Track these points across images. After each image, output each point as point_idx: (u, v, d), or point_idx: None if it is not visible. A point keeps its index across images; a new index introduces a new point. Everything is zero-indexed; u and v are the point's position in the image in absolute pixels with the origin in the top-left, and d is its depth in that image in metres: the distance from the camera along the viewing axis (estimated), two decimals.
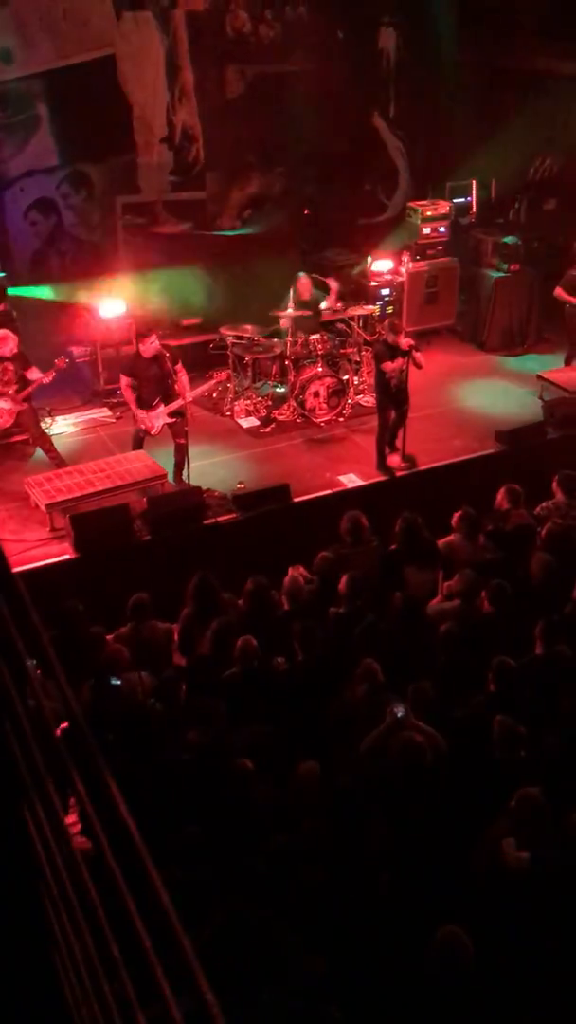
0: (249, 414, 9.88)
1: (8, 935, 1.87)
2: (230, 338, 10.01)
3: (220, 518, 8.03)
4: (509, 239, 11.20)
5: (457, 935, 3.70)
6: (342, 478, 8.70)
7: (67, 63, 10.52)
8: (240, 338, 9.98)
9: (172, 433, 8.47)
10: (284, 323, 9.83)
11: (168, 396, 8.39)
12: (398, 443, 8.88)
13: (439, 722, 5.19)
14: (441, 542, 7.05)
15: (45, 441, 8.75)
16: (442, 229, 11.48)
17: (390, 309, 11.17)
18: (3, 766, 1.94)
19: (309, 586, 6.53)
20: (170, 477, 8.39)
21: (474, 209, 12.31)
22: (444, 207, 11.55)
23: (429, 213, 11.38)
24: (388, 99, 12.57)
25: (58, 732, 2.05)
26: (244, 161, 11.74)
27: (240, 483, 8.46)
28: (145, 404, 8.37)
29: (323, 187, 12.07)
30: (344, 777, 4.81)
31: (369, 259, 11.15)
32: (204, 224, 11.58)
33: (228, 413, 9.98)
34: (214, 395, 10.16)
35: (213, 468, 8.89)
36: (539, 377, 10.10)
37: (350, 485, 8.59)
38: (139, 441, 8.59)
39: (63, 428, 9.69)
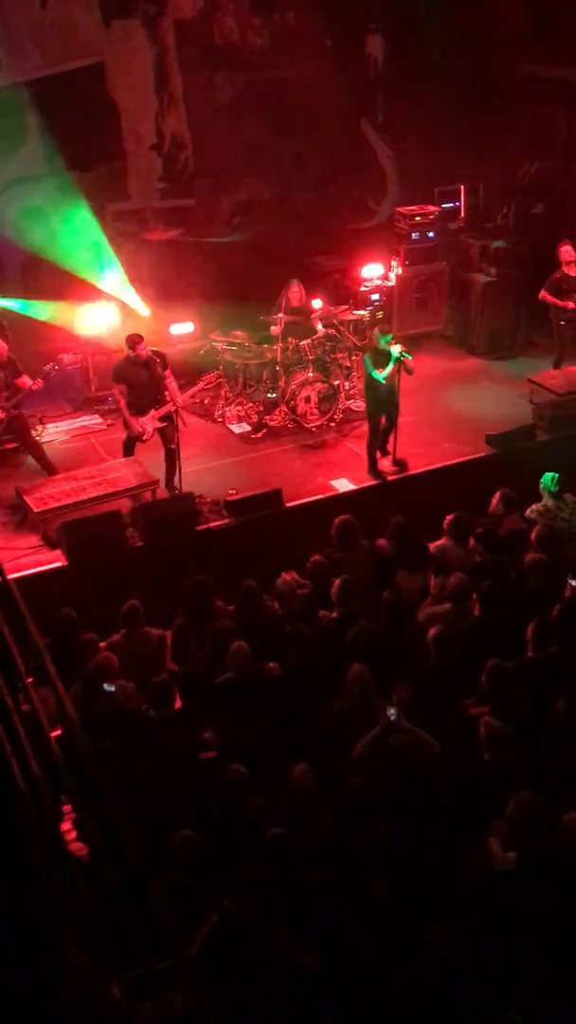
0: (240, 420, 9.90)
1: (4, 940, 1.88)
2: (221, 344, 10.03)
3: (212, 524, 8.04)
4: (499, 243, 11.25)
5: (447, 935, 3.72)
6: (334, 483, 8.72)
7: (56, 71, 10.54)
8: (231, 344, 10.01)
9: (163, 439, 8.48)
10: (274, 329, 9.86)
11: (159, 401, 8.40)
12: (389, 447, 8.92)
13: (431, 724, 5.22)
14: (432, 546, 7.08)
15: (36, 448, 8.75)
16: (431, 234, 11.52)
17: (380, 314, 11.21)
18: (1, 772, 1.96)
19: (301, 590, 6.54)
20: (162, 483, 8.39)
21: (463, 214, 12.36)
22: (433, 212, 11.59)
23: (418, 218, 11.43)
24: (376, 105, 12.62)
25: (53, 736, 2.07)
26: (233, 168, 11.77)
27: (232, 489, 8.48)
28: (136, 410, 8.37)
29: (312, 193, 12.11)
30: (338, 779, 4.82)
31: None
32: (194, 231, 11.60)
33: (219, 419, 9.99)
34: (205, 401, 10.17)
35: (205, 474, 8.90)
36: (528, 380, 10.14)
37: (342, 490, 8.62)
38: (130, 447, 8.59)
39: (54, 435, 9.69)
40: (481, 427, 9.37)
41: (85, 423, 10.00)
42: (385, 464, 8.86)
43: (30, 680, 2.42)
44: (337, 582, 6.22)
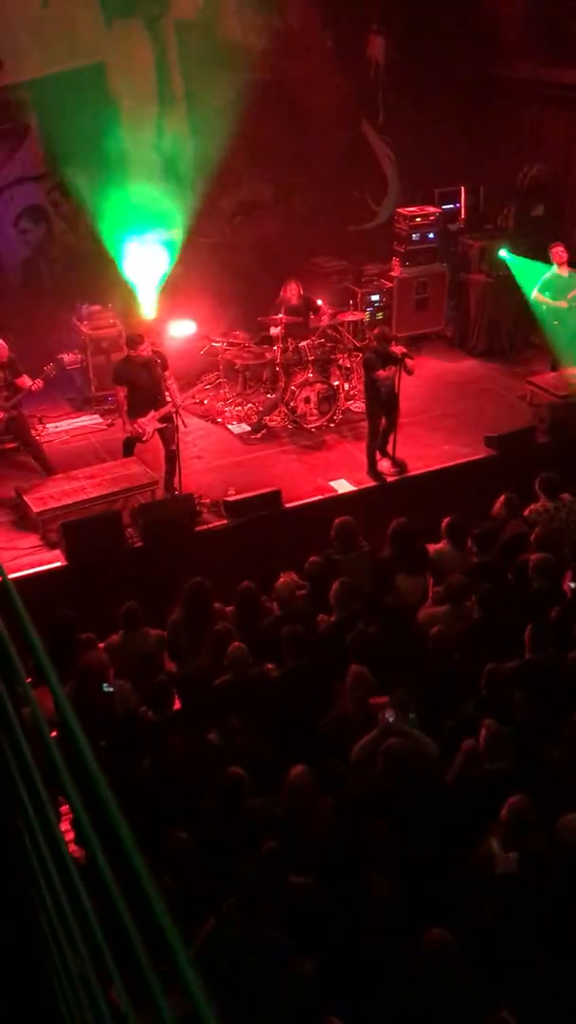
0: (240, 420, 9.90)
1: (2, 943, 1.87)
2: (221, 344, 10.02)
3: (211, 524, 8.04)
4: (503, 252, 11.20)
5: (444, 937, 3.73)
6: (333, 484, 8.73)
7: (57, 71, 10.53)
8: (231, 344, 10.00)
9: (163, 440, 8.48)
10: (274, 331, 9.86)
11: (159, 402, 8.40)
12: (388, 449, 8.92)
13: (430, 727, 5.21)
14: (431, 549, 7.08)
15: (36, 448, 8.75)
16: (431, 235, 11.52)
17: (380, 315, 11.22)
18: None
19: (300, 592, 6.54)
20: (161, 484, 8.39)
21: (463, 215, 12.36)
22: (433, 213, 11.60)
23: (418, 219, 11.44)
24: (377, 106, 12.62)
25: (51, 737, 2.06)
26: (233, 168, 11.76)
27: (231, 489, 8.48)
28: (136, 410, 8.37)
29: (312, 194, 12.11)
30: (337, 781, 4.82)
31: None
32: (194, 231, 11.59)
33: (219, 419, 9.99)
34: (205, 401, 10.17)
35: (204, 475, 8.90)
36: (527, 382, 10.15)
37: (341, 491, 8.62)
38: (130, 448, 8.59)
39: (54, 435, 9.69)
40: (480, 429, 9.37)
41: (85, 423, 10.00)
42: (385, 465, 8.87)
43: (28, 680, 2.42)
44: (335, 585, 6.21)
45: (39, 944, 1.82)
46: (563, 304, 10.05)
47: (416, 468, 8.90)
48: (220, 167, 11.65)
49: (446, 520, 7.03)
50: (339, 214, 12.39)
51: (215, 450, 9.45)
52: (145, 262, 10.91)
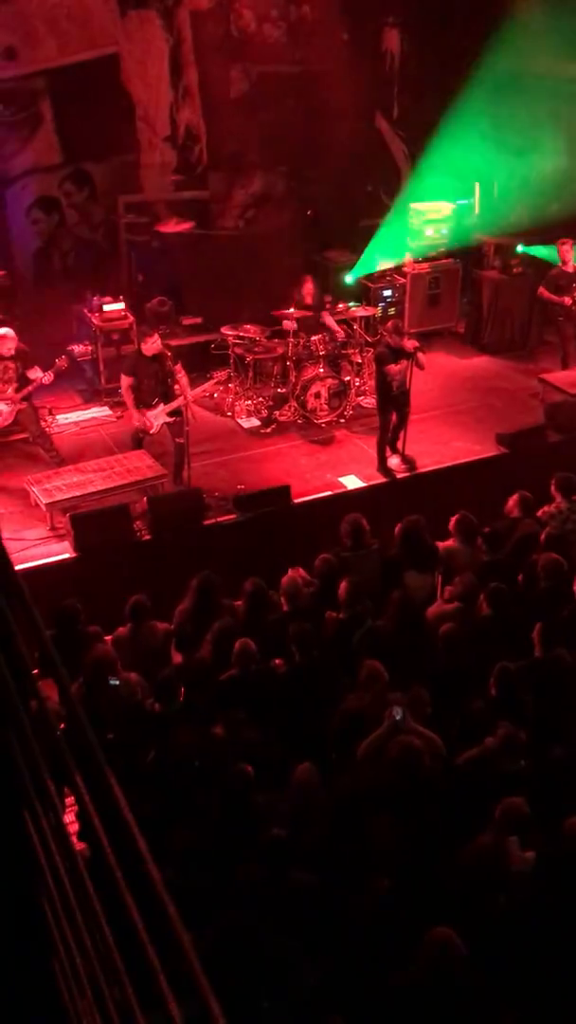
0: (250, 415, 9.87)
1: (7, 939, 1.85)
2: (231, 338, 9.99)
3: (220, 519, 8.02)
4: (520, 249, 11.14)
5: (449, 936, 3.70)
6: (343, 479, 8.69)
7: (70, 61, 10.50)
8: (241, 338, 9.97)
9: (171, 433, 8.45)
10: (286, 324, 9.82)
11: (168, 395, 8.37)
12: (398, 445, 8.87)
13: (438, 725, 5.18)
14: (440, 546, 7.04)
15: (45, 440, 8.74)
16: (444, 231, 11.46)
17: (392, 311, 11.16)
18: (4, 768, 1.93)
19: (308, 588, 6.51)
20: (170, 477, 8.37)
21: (477, 211, 12.29)
22: (447, 209, 11.53)
23: (432, 215, 11.38)
24: (392, 100, 12.56)
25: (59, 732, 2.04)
26: (247, 161, 11.72)
27: (240, 484, 8.45)
28: (145, 403, 8.35)
29: (325, 187, 12.05)
30: (343, 780, 4.79)
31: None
32: (207, 223, 11.56)
33: (229, 413, 9.96)
34: (215, 395, 10.14)
35: (213, 468, 8.87)
36: (540, 379, 10.09)
37: (350, 487, 8.58)
38: (139, 441, 8.57)
39: (64, 426, 9.67)
40: (492, 426, 9.32)
41: (95, 415, 9.98)
42: (394, 462, 8.82)
43: (35, 672, 2.40)
44: (344, 583, 6.17)
45: (45, 941, 1.80)
46: (567, 301, 10.02)
47: (427, 465, 8.86)
48: (233, 160, 11.63)
49: (456, 517, 6.99)
50: (351, 208, 12.33)
51: (224, 444, 9.42)
52: (157, 254, 10.89)
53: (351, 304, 10.63)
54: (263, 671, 5.67)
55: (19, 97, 10.39)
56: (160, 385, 8.35)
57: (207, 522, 7.95)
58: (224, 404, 10.06)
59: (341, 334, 9.99)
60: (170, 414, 8.36)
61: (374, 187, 12.72)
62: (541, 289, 10.21)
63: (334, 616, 6.20)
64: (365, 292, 11.14)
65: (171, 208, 11.43)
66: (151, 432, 8.45)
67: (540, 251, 10.84)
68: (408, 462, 8.81)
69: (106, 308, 10.05)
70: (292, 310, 9.78)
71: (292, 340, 9.69)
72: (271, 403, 9.82)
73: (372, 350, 9.62)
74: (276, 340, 9.98)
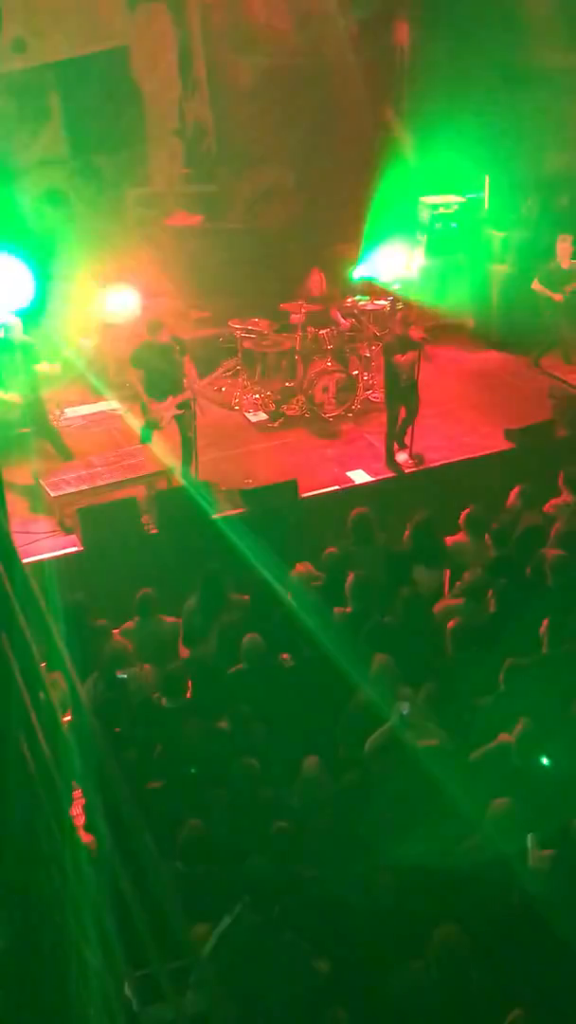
0: (258, 408, 9.86)
1: (15, 931, 1.86)
2: (239, 332, 9.97)
3: (228, 512, 8.01)
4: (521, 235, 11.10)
5: (455, 934, 3.70)
6: (350, 474, 8.67)
7: (80, 54, 10.49)
8: (249, 332, 9.95)
9: (180, 426, 8.44)
10: (293, 317, 9.80)
11: (177, 388, 8.36)
12: (407, 440, 8.85)
13: (446, 721, 5.18)
14: (449, 541, 7.03)
15: (53, 433, 8.74)
16: (454, 225, 11.42)
17: (400, 305, 11.12)
18: (11, 757, 1.93)
19: (315, 583, 6.50)
20: (178, 471, 8.36)
21: (486, 205, 12.23)
22: (456, 203, 11.49)
23: (441, 208, 11.35)
24: (401, 93, 12.50)
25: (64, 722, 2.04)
26: (256, 154, 11.69)
27: (248, 478, 8.44)
28: (153, 396, 8.34)
29: (334, 181, 12.00)
30: (349, 774, 4.79)
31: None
32: (215, 217, 11.54)
33: (236, 407, 9.95)
34: (222, 389, 10.13)
35: (221, 462, 8.86)
36: (549, 374, 10.05)
37: (358, 481, 8.57)
38: (147, 434, 8.57)
39: (72, 420, 9.67)
40: (500, 421, 9.29)
41: (103, 408, 9.97)
42: (403, 457, 8.80)
43: (43, 665, 2.40)
44: (351, 577, 6.16)
45: (53, 933, 1.81)
46: (559, 297, 10.00)
47: (435, 460, 8.83)
48: (242, 153, 11.60)
49: (465, 512, 6.97)
50: (361, 202, 12.28)
51: (232, 438, 9.41)
52: (165, 248, 10.87)
53: (359, 298, 10.60)
54: (271, 666, 5.67)
55: (28, 90, 10.38)
56: (169, 378, 8.34)
57: (215, 516, 7.94)
58: (232, 398, 10.05)
59: (346, 325, 9.94)
60: (178, 407, 8.35)
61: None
62: (535, 283, 10.22)
63: (341, 611, 6.20)
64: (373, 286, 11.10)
65: (179, 201, 11.41)
66: (160, 425, 8.45)
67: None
68: (416, 457, 8.79)
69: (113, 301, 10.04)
70: (300, 303, 9.76)
71: (300, 334, 9.66)
72: (279, 397, 9.80)
73: (380, 344, 9.59)
74: (284, 334, 9.96)
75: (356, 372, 9.78)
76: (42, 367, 8.35)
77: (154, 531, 7.74)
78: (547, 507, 7.30)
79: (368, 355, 10.15)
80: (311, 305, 9.85)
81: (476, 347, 11.36)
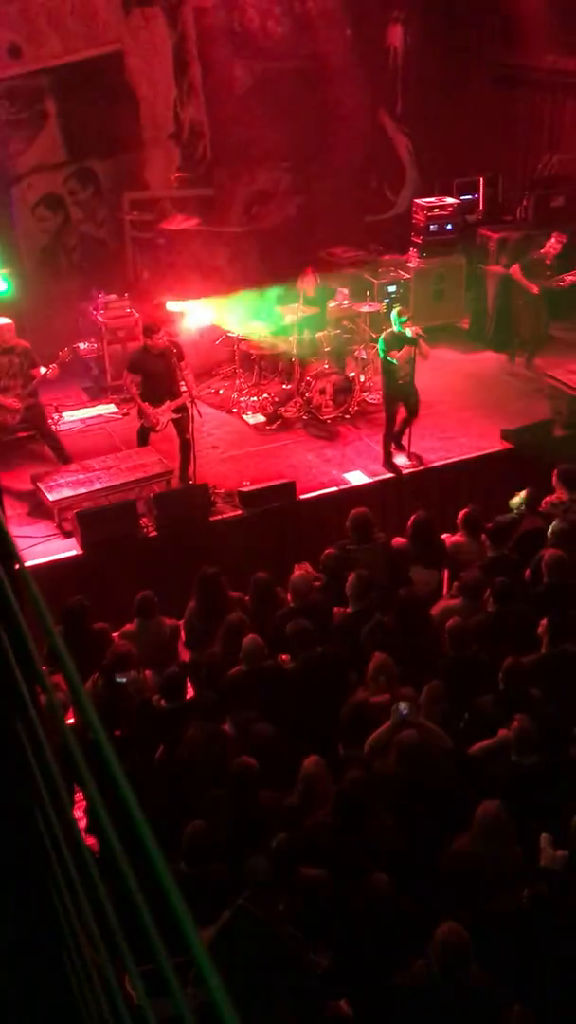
0: (255, 411, 9.88)
1: (18, 935, 1.87)
2: (237, 335, 9.99)
3: (226, 515, 8.03)
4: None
5: (457, 931, 3.71)
6: (348, 476, 8.69)
7: (75, 59, 10.50)
8: (247, 334, 9.97)
9: (177, 429, 8.46)
10: (290, 319, 9.82)
11: (174, 392, 8.38)
12: (404, 441, 8.87)
13: (445, 720, 5.19)
14: (447, 541, 7.05)
15: (52, 438, 8.75)
16: (449, 226, 11.45)
17: (396, 307, 11.14)
18: (13, 762, 1.95)
19: (315, 584, 6.52)
20: (176, 474, 8.38)
21: (481, 206, 12.27)
22: (451, 204, 11.52)
23: (436, 210, 11.38)
24: (395, 96, 12.54)
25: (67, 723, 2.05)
26: (251, 157, 11.71)
27: (246, 480, 8.46)
28: (151, 399, 8.36)
29: (329, 183, 12.04)
30: (350, 774, 4.80)
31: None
32: (211, 220, 11.56)
33: (234, 410, 9.97)
34: (220, 392, 10.15)
35: (219, 465, 8.88)
36: (546, 374, 10.07)
37: (356, 483, 8.59)
38: (145, 437, 8.59)
39: (70, 424, 9.68)
40: (498, 421, 9.31)
41: (101, 412, 9.99)
42: (402, 460, 8.82)
43: (44, 668, 2.41)
44: (352, 576, 6.18)
45: (54, 934, 1.82)
46: (535, 289, 10.03)
47: (432, 460, 8.86)
48: (237, 156, 11.62)
49: (463, 512, 7.00)
50: (356, 204, 12.32)
51: (230, 440, 9.43)
52: (162, 251, 10.89)
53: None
54: (271, 667, 5.68)
55: (24, 95, 10.40)
56: (166, 381, 8.36)
57: (213, 518, 7.97)
58: (229, 401, 10.07)
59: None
60: (176, 410, 8.37)
61: (378, 183, 12.70)
62: (515, 268, 10.25)
63: (341, 611, 6.22)
64: (369, 287, 11.13)
65: (176, 205, 11.43)
66: (157, 429, 8.47)
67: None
68: (415, 459, 8.81)
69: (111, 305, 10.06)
70: (297, 306, 9.78)
71: (296, 336, 9.68)
72: (276, 399, 9.82)
73: (376, 346, 9.60)
74: (281, 336, 9.97)
75: (353, 374, 9.80)
76: (38, 372, 8.36)
77: (153, 534, 7.76)
78: (542, 505, 7.32)
79: (365, 357, 10.17)
80: (306, 306, 9.87)
81: (472, 347, 11.38)
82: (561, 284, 10.19)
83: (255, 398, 9.94)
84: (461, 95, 11.91)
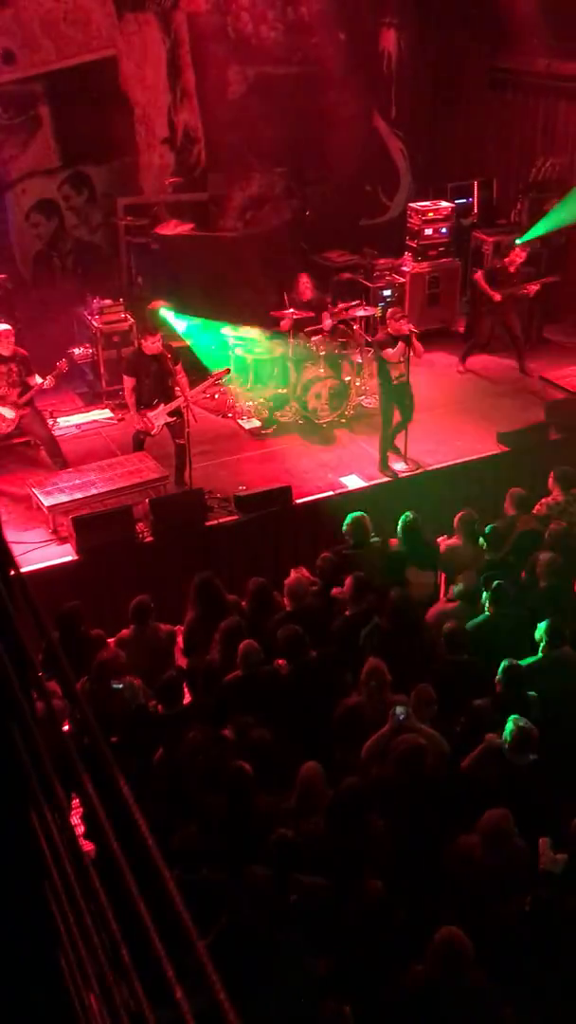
0: (251, 415, 9.87)
1: (14, 940, 1.86)
2: (231, 339, 9.99)
3: (222, 520, 8.02)
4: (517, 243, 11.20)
5: (456, 935, 3.70)
6: (344, 479, 8.69)
7: (68, 64, 10.52)
8: (241, 339, 9.97)
9: (172, 434, 8.46)
10: (285, 324, 9.83)
11: (168, 396, 8.38)
12: (400, 445, 8.86)
13: (442, 724, 5.18)
14: (443, 545, 7.05)
15: (51, 443, 8.73)
16: (444, 230, 11.47)
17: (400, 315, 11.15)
18: (10, 768, 1.94)
19: (312, 587, 6.51)
20: (172, 479, 8.38)
21: (476, 210, 12.30)
22: (446, 208, 11.55)
23: (431, 214, 11.40)
24: (389, 100, 12.57)
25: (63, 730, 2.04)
26: (245, 162, 11.74)
27: (241, 485, 8.46)
28: (145, 404, 8.35)
29: (324, 188, 12.07)
30: (346, 779, 4.79)
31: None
32: (206, 225, 11.58)
33: (230, 414, 9.97)
34: (215, 396, 10.15)
35: (214, 469, 8.88)
36: (540, 378, 10.09)
37: (351, 487, 8.58)
38: (140, 442, 8.58)
39: (65, 430, 9.67)
40: (493, 425, 9.32)
41: (96, 417, 9.98)
42: (400, 466, 8.82)
43: (40, 674, 2.40)
44: (349, 579, 6.18)
45: (52, 940, 1.81)
46: (497, 297, 10.07)
47: (428, 464, 8.86)
48: (232, 161, 11.64)
49: (459, 515, 7.00)
50: (351, 208, 12.35)
51: (225, 445, 9.42)
52: (156, 256, 10.89)
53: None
54: (268, 672, 5.67)
55: (17, 101, 10.41)
56: (160, 386, 8.36)
57: (209, 523, 7.96)
58: (225, 405, 10.06)
59: (329, 324, 9.95)
60: (170, 415, 8.37)
61: (372, 187, 12.73)
62: (479, 276, 10.30)
63: (339, 613, 6.21)
64: (364, 291, 11.15)
65: (170, 210, 11.44)
66: (152, 433, 8.46)
67: None
68: (412, 464, 8.81)
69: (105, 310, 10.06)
70: (290, 310, 9.79)
71: (292, 340, 9.69)
72: (271, 404, 9.82)
73: (372, 349, 9.61)
74: (276, 341, 9.98)
75: (348, 378, 9.81)
76: (33, 380, 8.34)
77: (149, 539, 7.75)
78: (537, 507, 7.33)
79: (360, 361, 10.18)
80: (301, 311, 9.88)
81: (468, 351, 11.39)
82: (525, 293, 10.23)
83: (250, 403, 9.94)
84: (455, 99, 11.94)
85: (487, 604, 6.14)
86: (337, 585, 6.34)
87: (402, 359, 8.45)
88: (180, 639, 6.38)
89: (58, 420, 9.72)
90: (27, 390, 8.33)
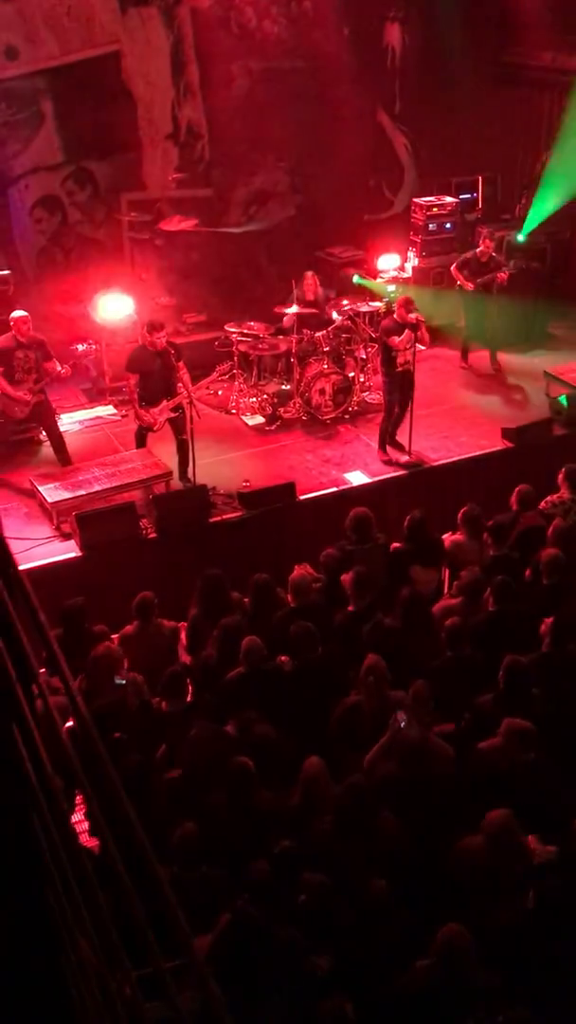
0: (254, 411, 9.86)
1: (15, 937, 1.86)
2: (235, 335, 9.98)
3: (225, 516, 8.02)
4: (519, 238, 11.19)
5: (460, 933, 3.70)
6: (348, 476, 8.68)
7: (72, 59, 10.49)
8: (245, 335, 9.96)
9: (174, 430, 8.45)
10: (289, 320, 9.81)
11: (171, 392, 8.37)
12: (403, 440, 8.85)
13: (445, 720, 5.18)
14: (447, 540, 7.03)
15: (57, 437, 8.71)
16: (448, 225, 11.44)
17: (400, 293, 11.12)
18: (10, 767, 1.94)
19: (315, 584, 6.51)
20: (175, 475, 8.37)
21: (480, 205, 12.26)
22: (450, 203, 11.52)
23: (435, 209, 11.37)
24: (393, 95, 12.52)
25: (64, 729, 2.04)
26: (249, 157, 11.71)
27: (245, 481, 8.45)
28: (148, 399, 8.35)
29: (328, 183, 12.03)
30: (352, 777, 4.79)
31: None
32: (210, 221, 11.55)
33: (233, 410, 9.96)
34: (219, 392, 10.14)
35: (218, 466, 8.87)
36: (545, 373, 10.07)
37: (356, 483, 8.58)
38: (143, 439, 8.58)
39: (68, 426, 9.66)
40: (497, 420, 9.30)
41: (99, 414, 9.98)
42: (396, 454, 8.81)
43: (43, 671, 2.41)
44: (352, 575, 6.17)
45: (53, 938, 1.81)
46: (469, 286, 10.13)
47: (433, 459, 8.85)
48: (235, 156, 11.61)
49: (463, 510, 6.98)
50: (355, 203, 12.31)
51: (229, 441, 9.42)
52: (160, 252, 10.88)
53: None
54: (270, 668, 5.67)
55: (20, 96, 10.38)
56: (164, 382, 8.35)
57: (213, 519, 7.96)
58: (228, 401, 10.06)
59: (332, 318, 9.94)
60: (173, 410, 8.36)
61: (376, 182, 12.69)
62: (454, 266, 10.37)
63: (342, 610, 6.20)
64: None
65: (174, 206, 11.42)
66: (155, 429, 8.46)
67: None
68: (415, 458, 8.79)
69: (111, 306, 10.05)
70: (294, 307, 9.77)
71: (296, 336, 9.68)
72: (275, 400, 9.81)
73: (376, 346, 9.60)
74: (280, 337, 9.97)
75: (352, 374, 9.79)
76: (52, 367, 8.34)
77: (152, 535, 7.75)
78: (543, 504, 7.31)
79: (364, 356, 10.16)
80: (305, 307, 9.87)
81: (472, 346, 11.36)
82: (499, 281, 10.24)
83: (254, 399, 9.93)
84: (459, 94, 11.87)
85: (491, 600, 6.13)
86: (340, 581, 6.32)
87: (408, 347, 8.45)
88: (183, 635, 6.38)
89: (61, 416, 9.72)
90: (44, 377, 8.34)
